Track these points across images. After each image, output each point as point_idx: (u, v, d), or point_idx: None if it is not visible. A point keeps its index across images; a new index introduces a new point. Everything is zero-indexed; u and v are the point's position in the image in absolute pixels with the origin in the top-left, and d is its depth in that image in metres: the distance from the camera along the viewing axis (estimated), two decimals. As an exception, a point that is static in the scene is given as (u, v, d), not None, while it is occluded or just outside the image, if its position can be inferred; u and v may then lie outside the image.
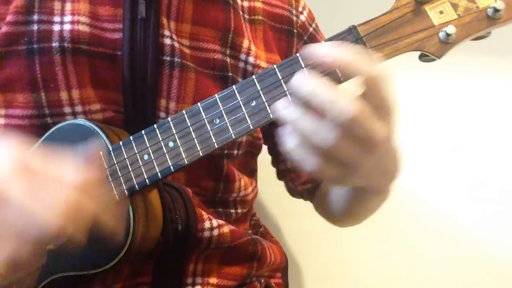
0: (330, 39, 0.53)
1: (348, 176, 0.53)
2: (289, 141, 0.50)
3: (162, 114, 0.69)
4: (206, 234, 0.69)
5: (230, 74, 0.73)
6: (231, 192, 0.76)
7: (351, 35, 0.52)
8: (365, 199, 0.69)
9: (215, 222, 0.71)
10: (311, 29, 0.83)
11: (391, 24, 0.52)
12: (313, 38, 0.83)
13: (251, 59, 0.74)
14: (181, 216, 0.67)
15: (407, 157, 1.30)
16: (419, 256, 1.30)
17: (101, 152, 0.59)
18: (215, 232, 0.70)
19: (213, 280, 0.72)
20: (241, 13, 0.76)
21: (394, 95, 0.49)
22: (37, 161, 0.50)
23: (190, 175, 0.71)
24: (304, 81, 0.49)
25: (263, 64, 0.75)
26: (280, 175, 0.90)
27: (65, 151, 0.55)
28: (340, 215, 0.81)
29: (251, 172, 0.84)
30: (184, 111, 0.56)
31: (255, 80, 0.54)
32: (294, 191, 0.91)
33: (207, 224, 0.69)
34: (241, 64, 0.74)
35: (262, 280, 0.79)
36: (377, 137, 0.49)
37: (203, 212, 0.70)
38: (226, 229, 0.72)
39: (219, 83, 0.72)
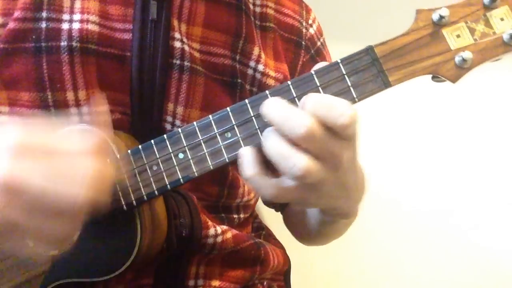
0: (347, 58, 0.53)
1: (308, 198, 0.54)
2: (247, 170, 0.52)
3: (169, 118, 0.68)
4: (210, 240, 0.70)
5: (239, 80, 0.72)
6: (234, 198, 0.76)
7: (368, 55, 0.52)
8: (331, 221, 0.70)
9: (219, 229, 0.71)
10: (318, 43, 0.82)
11: (408, 46, 0.52)
12: (320, 52, 0.82)
13: (260, 67, 0.73)
14: (185, 222, 0.67)
15: (406, 158, 1.32)
16: (421, 258, 1.33)
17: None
18: (219, 239, 0.70)
19: (215, 283, 0.72)
20: (252, 19, 0.75)
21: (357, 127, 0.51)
22: (39, 137, 0.48)
23: (195, 181, 0.71)
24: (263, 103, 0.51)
25: (272, 73, 0.74)
26: None
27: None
28: (311, 233, 0.81)
29: None
30: (195, 123, 0.56)
31: (268, 96, 0.54)
32: (267, 201, 0.89)
33: (211, 231, 0.70)
34: (250, 71, 0.73)
35: (265, 283, 0.79)
36: (337, 157, 0.50)
37: (207, 219, 0.70)
38: (229, 234, 0.72)
39: (228, 89, 0.72)
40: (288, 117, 0.49)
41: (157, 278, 0.69)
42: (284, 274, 0.86)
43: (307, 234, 0.84)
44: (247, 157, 0.52)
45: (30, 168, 0.46)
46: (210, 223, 0.70)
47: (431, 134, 1.31)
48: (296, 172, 0.49)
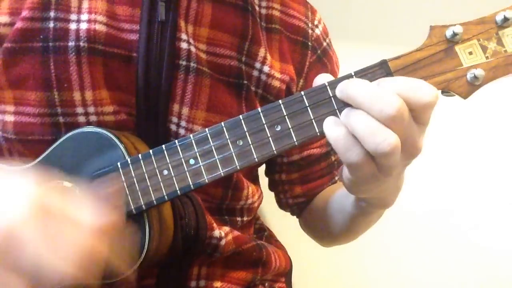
0: (361, 71, 0.53)
1: (376, 179, 0.53)
2: (334, 130, 0.51)
3: (175, 119, 0.68)
4: (214, 241, 0.70)
5: (245, 81, 0.72)
6: (239, 200, 0.76)
7: (381, 69, 0.53)
8: (370, 213, 0.69)
9: (223, 232, 0.71)
10: (325, 44, 0.82)
11: (421, 61, 0.52)
12: (326, 53, 0.82)
13: (266, 69, 0.73)
14: (191, 223, 0.68)
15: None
16: (421, 259, 1.33)
17: (121, 189, 0.57)
18: (223, 241, 0.71)
19: (217, 284, 0.73)
20: (258, 20, 0.75)
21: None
22: (55, 201, 0.48)
23: None
24: (346, 83, 0.51)
25: (277, 74, 0.74)
26: (273, 186, 0.89)
27: (84, 189, 0.54)
28: (339, 231, 0.80)
29: (255, 178, 0.84)
30: (206, 129, 0.56)
31: (281, 105, 0.54)
32: (284, 204, 0.89)
33: (216, 233, 0.70)
34: (256, 73, 0.73)
35: (266, 284, 0.80)
36: (415, 141, 0.51)
37: (213, 220, 0.71)
38: (230, 236, 0.73)
39: (234, 90, 0.72)
40: (378, 97, 0.48)
41: (160, 279, 0.70)
42: (285, 275, 0.86)
43: (332, 233, 0.83)
44: (333, 119, 0.52)
45: (35, 232, 0.46)
46: (214, 224, 0.71)
47: (431, 134, 1.31)
48: (384, 148, 0.47)
